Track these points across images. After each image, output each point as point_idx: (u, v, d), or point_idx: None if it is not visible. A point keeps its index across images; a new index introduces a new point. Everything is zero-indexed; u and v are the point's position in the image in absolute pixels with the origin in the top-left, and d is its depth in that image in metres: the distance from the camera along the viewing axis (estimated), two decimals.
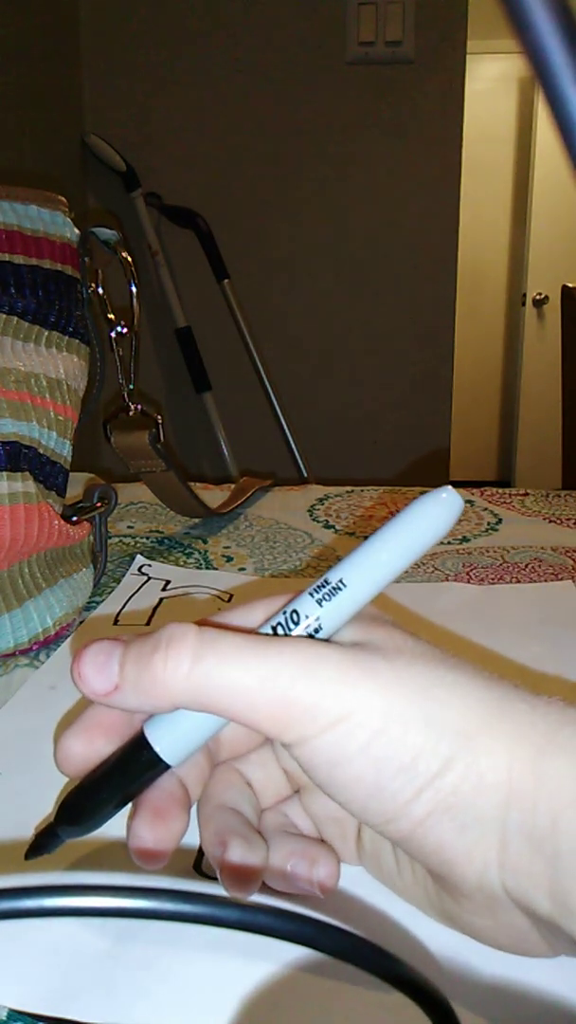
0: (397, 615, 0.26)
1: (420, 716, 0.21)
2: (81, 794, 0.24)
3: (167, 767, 0.24)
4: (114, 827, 0.29)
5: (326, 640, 0.23)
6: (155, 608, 0.49)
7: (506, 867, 0.21)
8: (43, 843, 0.25)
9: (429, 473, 2.12)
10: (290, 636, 0.23)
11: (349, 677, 0.22)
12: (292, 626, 0.23)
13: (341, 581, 0.23)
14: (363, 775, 0.21)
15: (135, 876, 0.27)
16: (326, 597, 0.23)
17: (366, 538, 0.24)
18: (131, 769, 0.24)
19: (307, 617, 0.23)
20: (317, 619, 0.23)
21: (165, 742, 0.23)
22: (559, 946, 0.22)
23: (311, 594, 0.24)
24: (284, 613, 0.24)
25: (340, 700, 0.21)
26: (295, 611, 0.24)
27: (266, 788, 0.27)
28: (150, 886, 0.14)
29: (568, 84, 0.11)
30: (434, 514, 0.23)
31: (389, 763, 0.21)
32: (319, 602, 0.23)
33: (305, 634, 0.23)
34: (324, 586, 0.24)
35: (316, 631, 0.23)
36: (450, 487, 0.23)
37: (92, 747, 0.24)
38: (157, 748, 0.23)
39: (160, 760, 0.23)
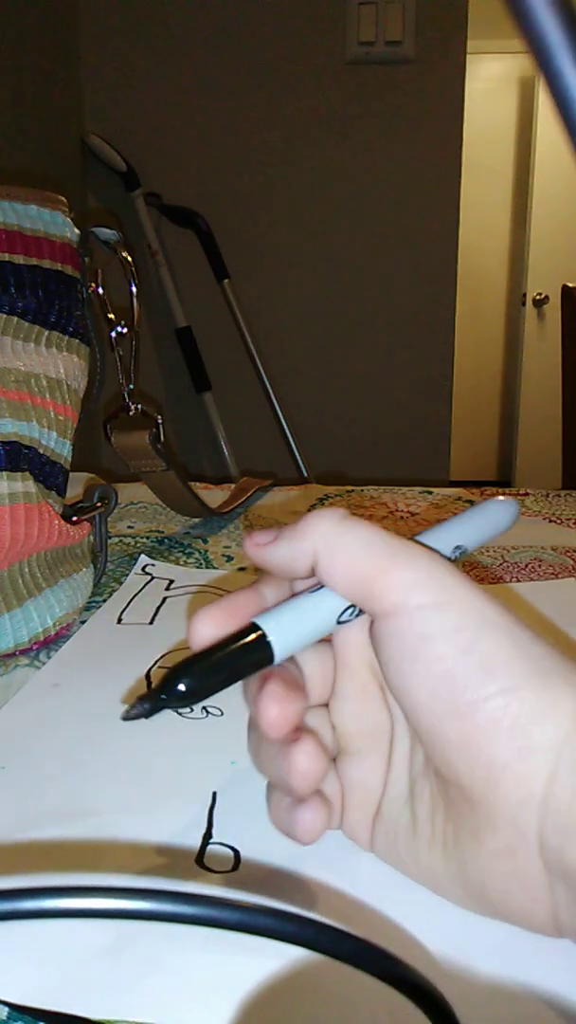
0: None
1: (507, 634, 0.23)
2: (191, 665, 0.24)
3: (271, 654, 0.25)
4: (115, 827, 0.29)
5: None
6: (158, 608, 0.49)
7: (549, 804, 0.21)
8: (145, 707, 0.24)
9: (429, 473, 2.12)
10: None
11: (458, 578, 0.24)
12: None
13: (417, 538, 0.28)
14: (444, 655, 0.23)
15: (135, 877, 0.27)
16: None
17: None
18: (240, 649, 0.25)
19: None
20: None
21: (274, 630, 0.25)
22: (567, 919, 0.22)
23: None
24: None
25: (449, 590, 0.24)
26: None
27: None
28: (150, 887, 0.14)
29: (567, 62, 0.11)
30: (500, 510, 0.32)
31: (471, 656, 0.22)
32: None
33: None
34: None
35: None
36: (511, 498, 0.32)
37: (225, 627, 0.25)
38: (269, 634, 0.25)
39: (268, 645, 0.25)
